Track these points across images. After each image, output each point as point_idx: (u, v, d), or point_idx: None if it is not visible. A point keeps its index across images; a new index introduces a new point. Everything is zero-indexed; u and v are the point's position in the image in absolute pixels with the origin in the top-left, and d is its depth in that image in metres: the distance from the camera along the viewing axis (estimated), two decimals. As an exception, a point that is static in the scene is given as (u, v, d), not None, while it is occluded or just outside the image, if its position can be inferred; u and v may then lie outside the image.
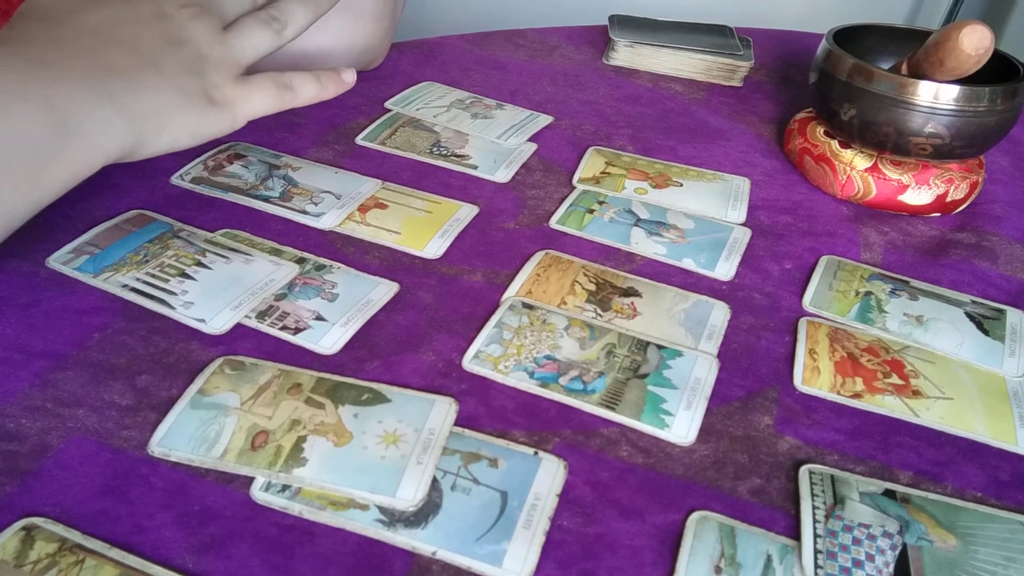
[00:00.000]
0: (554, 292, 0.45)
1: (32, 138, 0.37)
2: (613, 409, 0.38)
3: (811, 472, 0.36)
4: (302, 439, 0.35)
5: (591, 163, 0.59)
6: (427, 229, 0.50)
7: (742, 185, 0.58)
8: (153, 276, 0.43)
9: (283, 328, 0.41)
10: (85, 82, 0.39)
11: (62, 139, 0.37)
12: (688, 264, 0.49)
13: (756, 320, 0.45)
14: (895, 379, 0.42)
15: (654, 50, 0.75)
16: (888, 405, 0.40)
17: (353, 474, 0.34)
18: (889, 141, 0.54)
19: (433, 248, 0.49)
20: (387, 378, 0.39)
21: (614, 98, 0.70)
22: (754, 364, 0.42)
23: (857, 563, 0.32)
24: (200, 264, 0.45)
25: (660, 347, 0.42)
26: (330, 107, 0.63)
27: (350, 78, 0.49)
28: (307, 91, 0.47)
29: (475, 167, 0.57)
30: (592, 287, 0.46)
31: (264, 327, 0.41)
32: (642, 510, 0.34)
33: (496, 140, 0.61)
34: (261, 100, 0.45)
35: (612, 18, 0.80)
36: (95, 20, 0.41)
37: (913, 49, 0.54)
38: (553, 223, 0.52)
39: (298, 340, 0.41)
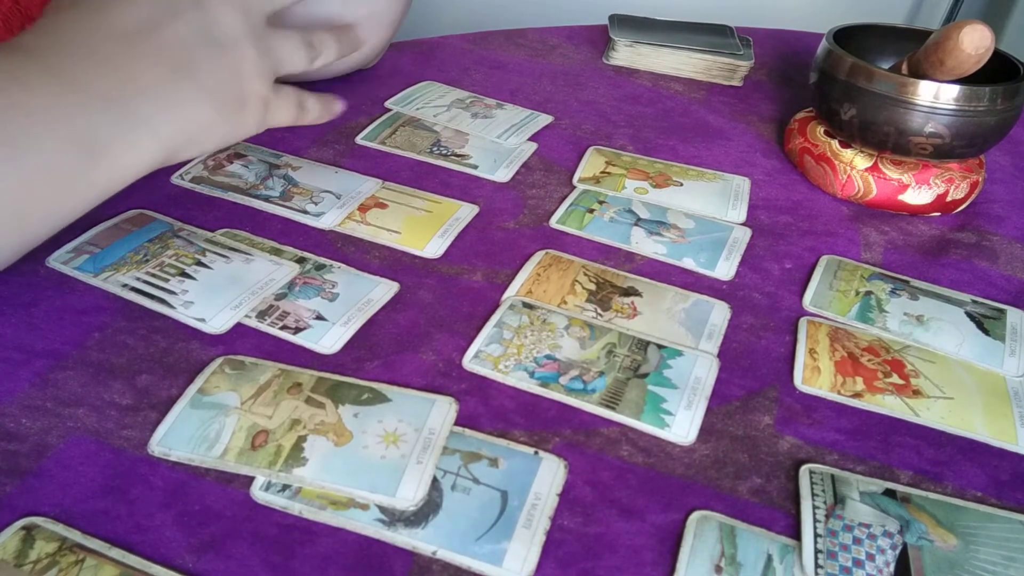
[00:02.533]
0: (554, 292, 0.45)
1: (58, 166, 0.36)
2: (613, 409, 0.38)
3: (811, 472, 0.36)
4: (302, 439, 0.35)
5: (591, 163, 0.59)
6: (427, 229, 0.50)
7: (742, 185, 0.58)
8: (153, 275, 0.43)
9: (283, 328, 0.41)
10: (112, 107, 0.37)
11: (89, 166, 0.37)
12: (688, 264, 0.49)
13: (756, 320, 0.45)
14: (895, 379, 0.42)
15: (654, 50, 0.75)
16: (888, 405, 0.40)
17: (353, 474, 0.34)
18: (889, 141, 0.54)
19: (433, 248, 0.49)
20: (387, 378, 0.39)
21: (614, 98, 0.70)
22: (754, 364, 0.42)
23: (857, 563, 0.32)
24: (200, 263, 0.45)
25: (660, 347, 0.42)
26: (330, 107, 0.63)
27: (338, 108, 0.51)
28: (313, 113, 0.49)
29: (475, 167, 0.57)
30: (592, 287, 0.46)
31: (264, 327, 0.41)
32: (642, 510, 0.34)
33: (496, 140, 0.61)
34: (285, 113, 0.46)
35: (612, 18, 0.80)
36: (127, 21, 0.39)
37: (913, 49, 0.54)
38: (553, 223, 0.52)
39: (298, 340, 0.41)
